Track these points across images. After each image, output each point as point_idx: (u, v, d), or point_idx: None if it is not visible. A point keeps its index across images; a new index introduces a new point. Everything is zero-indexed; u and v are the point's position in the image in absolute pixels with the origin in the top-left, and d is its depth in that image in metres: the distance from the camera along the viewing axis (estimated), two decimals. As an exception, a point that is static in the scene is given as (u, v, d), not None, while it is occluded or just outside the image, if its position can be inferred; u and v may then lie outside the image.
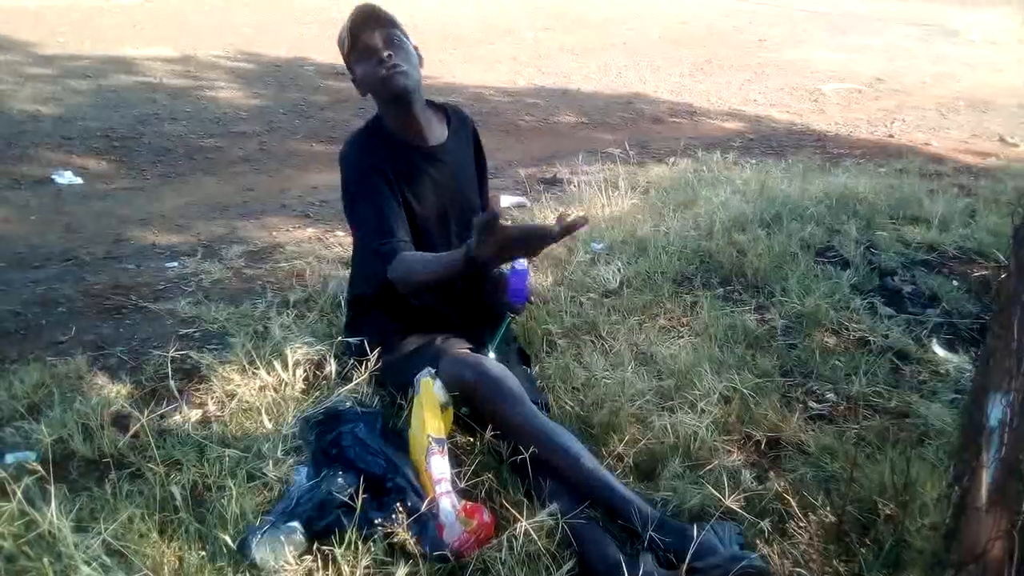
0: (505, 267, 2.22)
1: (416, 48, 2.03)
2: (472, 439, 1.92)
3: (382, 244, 1.92)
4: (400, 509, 1.55)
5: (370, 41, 1.94)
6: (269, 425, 1.98)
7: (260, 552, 1.52)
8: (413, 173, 2.05)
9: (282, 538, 1.54)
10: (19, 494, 1.52)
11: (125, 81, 6.79)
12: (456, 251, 1.76)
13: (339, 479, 1.64)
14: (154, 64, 7.41)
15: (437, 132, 2.11)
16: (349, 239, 3.48)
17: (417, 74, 1.99)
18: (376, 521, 1.56)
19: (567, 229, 1.61)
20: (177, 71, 7.28)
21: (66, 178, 4.47)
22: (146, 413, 1.81)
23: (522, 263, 2.09)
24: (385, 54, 1.92)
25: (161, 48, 8.03)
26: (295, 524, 1.57)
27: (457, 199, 2.14)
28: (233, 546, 1.54)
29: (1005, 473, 1.24)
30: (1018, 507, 1.25)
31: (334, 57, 8.23)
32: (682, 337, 2.56)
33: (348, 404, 1.91)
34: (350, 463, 1.70)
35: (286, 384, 2.12)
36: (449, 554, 1.55)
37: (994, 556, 1.24)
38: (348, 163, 2.04)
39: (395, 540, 1.55)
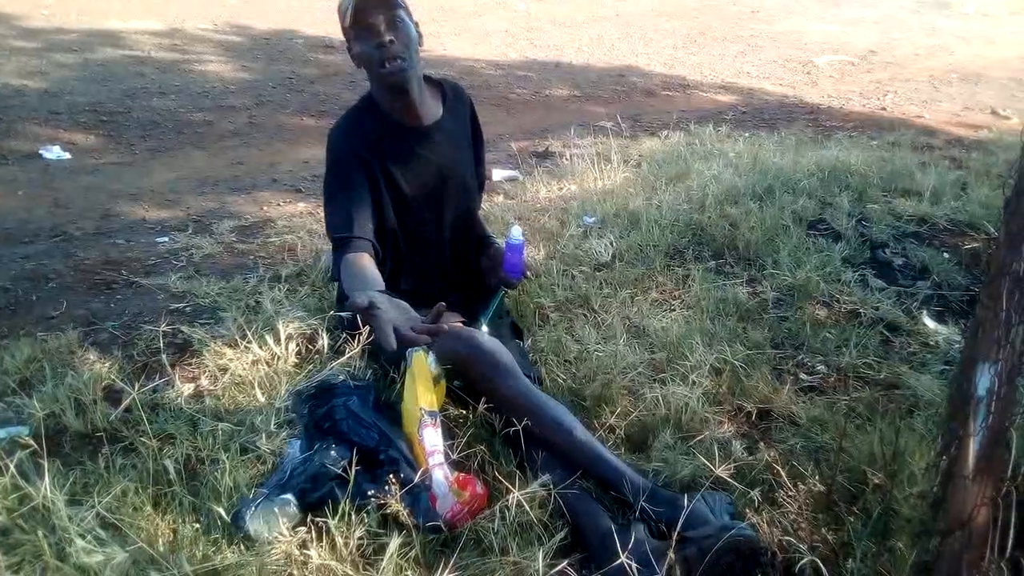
0: (500, 241, 2.22)
1: (417, 26, 1.97)
2: (465, 411, 1.92)
3: (338, 237, 1.94)
4: (393, 481, 1.56)
5: (372, 20, 1.87)
6: (262, 399, 1.98)
7: (254, 524, 1.53)
8: (404, 153, 2.03)
9: (276, 510, 1.55)
10: (12, 468, 1.52)
11: (112, 55, 6.70)
12: (368, 291, 1.62)
13: (332, 451, 1.65)
14: (141, 37, 7.32)
15: (432, 110, 2.08)
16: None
17: (416, 59, 1.94)
18: (369, 493, 1.57)
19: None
20: (165, 44, 7.19)
21: (54, 153, 4.43)
22: (138, 387, 1.81)
23: (518, 237, 2.09)
24: (387, 39, 1.86)
25: (148, 21, 7.92)
26: (288, 496, 1.58)
27: (448, 178, 2.11)
28: (227, 518, 1.55)
29: (992, 441, 1.25)
30: (1004, 475, 1.27)
31: (323, 30, 8.09)
32: (674, 310, 2.57)
33: (341, 377, 1.92)
34: (343, 436, 1.71)
35: (278, 358, 2.12)
36: (442, 525, 1.56)
37: (979, 523, 1.26)
38: (332, 146, 2.03)
39: (388, 511, 1.56)
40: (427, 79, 2.10)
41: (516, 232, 2.10)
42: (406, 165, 2.03)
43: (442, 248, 2.17)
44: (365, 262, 1.86)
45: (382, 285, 1.75)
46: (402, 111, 2.02)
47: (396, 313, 1.56)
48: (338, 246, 1.93)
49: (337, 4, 1.94)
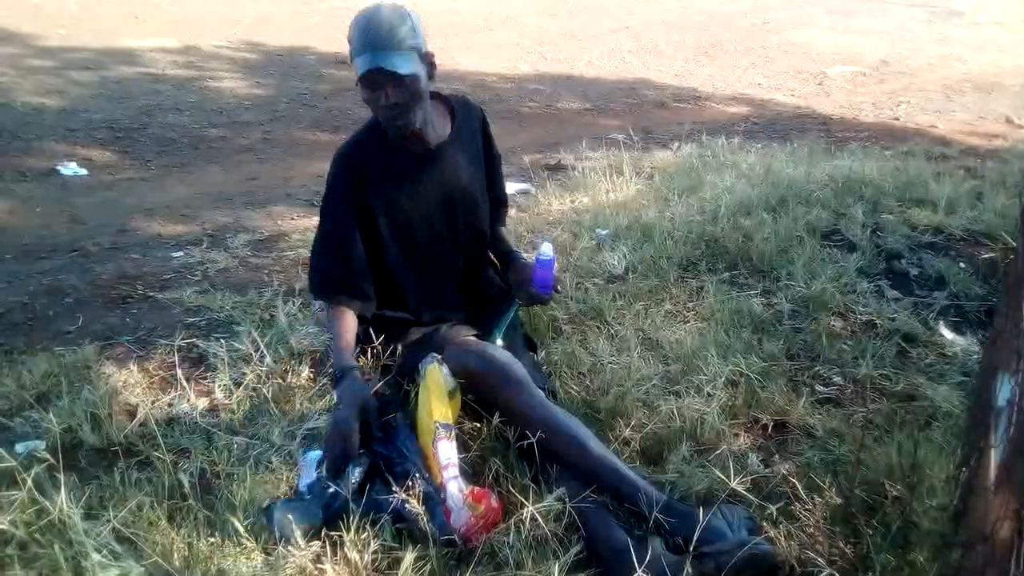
0: (529, 257, 2.19)
1: (431, 56, 1.90)
2: (479, 424, 1.92)
3: (314, 271, 2.06)
4: (410, 495, 1.56)
5: (378, 86, 1.80)
6: (277, 412, 1.99)
7: (282, 523, 1.53)
8: (405, 175, 2.00)
9: (303, 515, 1.56)
10: (29, 482, 1.53)
11: (128, 72, 6.78)
12: (343, 367, 1.81)
13: (349, 465, 1.65)
14: (157, 55, 7.40)
15: (439, 130, 2.02)
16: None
17: (421, 103, 1.88)
18: (391, 500, 1.56)
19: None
20: (180, 62, 7.27)
21: (71, 169, 4.47)
22: (153, 402, 1.82)
23: (548, 253, 2.05)
24: (392, 102, 1.80)
25: (163, 39, 8.00)
26: (316, 508, 1.59)
27: (457, 199, 2.06)
28: (243, 532, 1.55)
29: (1013, 453, 1.23)
30: (1026, 487, 1.25)
31: (336, 47, 8.11)
32: (688, 322, 2.56)
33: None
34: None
35: (293, 372, 2.13)
36: (457, 539, 1.55)
37: (1002, 536, 1.24)
38: (332, 173, 2.01)
39: (403, 525, 1.56)
40: (436, 96, 2.04)
41: (547, 248, 2.05)
42: (413, 190, 2.00)
43: (454, 268, 2.13)
44: (347, 325, 1.95)
45: (351, 354, 1.88)
46: (407, 140, 1.97)
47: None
48: (312, 280, 2.06)
49: (347, 34, 1.83)
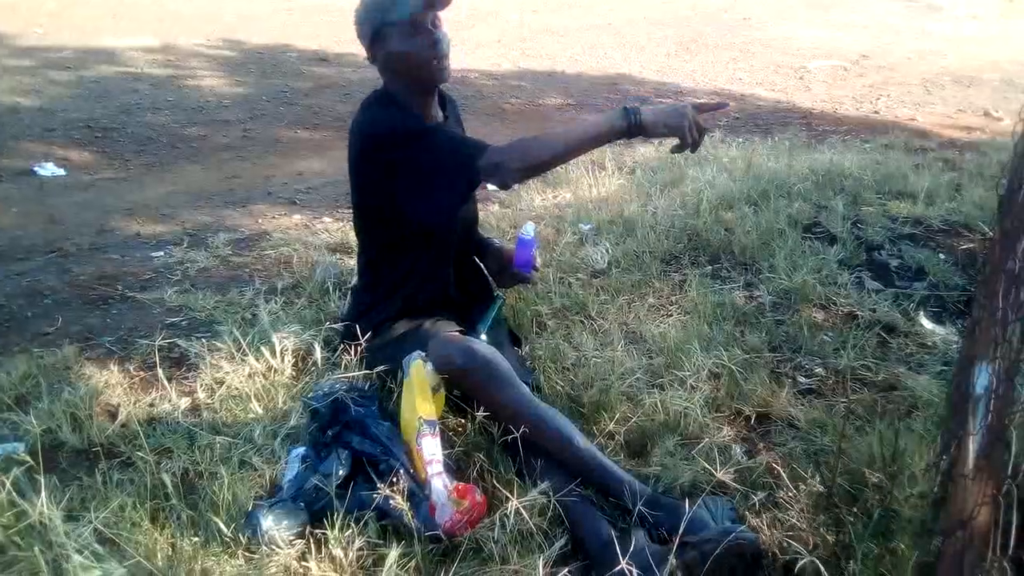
0: (502, 241, 2.21)
1: None
2: (463, 420, 1.92)
3: (475, 145, 1.82)
4: (394, 491, 1.56)
5: (430, 15, 1.85)
6: (259, 411, 1.98)
7: (265, 524, 1.53)
8: None
9: (288, 515, 1.56)
10: (8, 485, 1.51)
11: (106, 71, 6.71)
12: (600, 119, 1.76)
13: (334, 462, 1.65)
14: (135, 54, 7.33)
15: (437, 113, 2.04)
16: (335, 225, 3.48)
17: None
18: (375, 496, 1.56)
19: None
20: (158, 60, 7.20)
21: (48, 170, 4.42)
22: (135, 402, 1.80)
23: (530, 233, 2.08)
24: (441, 33, 1.86)
25: (142, 38, 7.93)
26: (301, 504, 1.59)
27: None
28: (227, 531, 1.54)
29: (991, 440, 1.25)
30: (1004, 473, 1.26)
31: (316, 44, 8.05)
32: (671, 315, 2.57)
33: (343, 388, 1.91)
34: (346, 445, 1.71)
35: (275, 370, 2.12)
36: (441, 534, 1.56)
37: (981, 522, 1.25)
38: (388, 117, 1.92)
39: (387, 522, 1.56)
40: None
41: (529, 228, 2.10)
42: None
43: (451, 251, 2.13)
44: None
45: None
46: (421, 109, 1.97)
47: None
48: (479, 148, 1.80)
49: (362, 17, 1.88)
